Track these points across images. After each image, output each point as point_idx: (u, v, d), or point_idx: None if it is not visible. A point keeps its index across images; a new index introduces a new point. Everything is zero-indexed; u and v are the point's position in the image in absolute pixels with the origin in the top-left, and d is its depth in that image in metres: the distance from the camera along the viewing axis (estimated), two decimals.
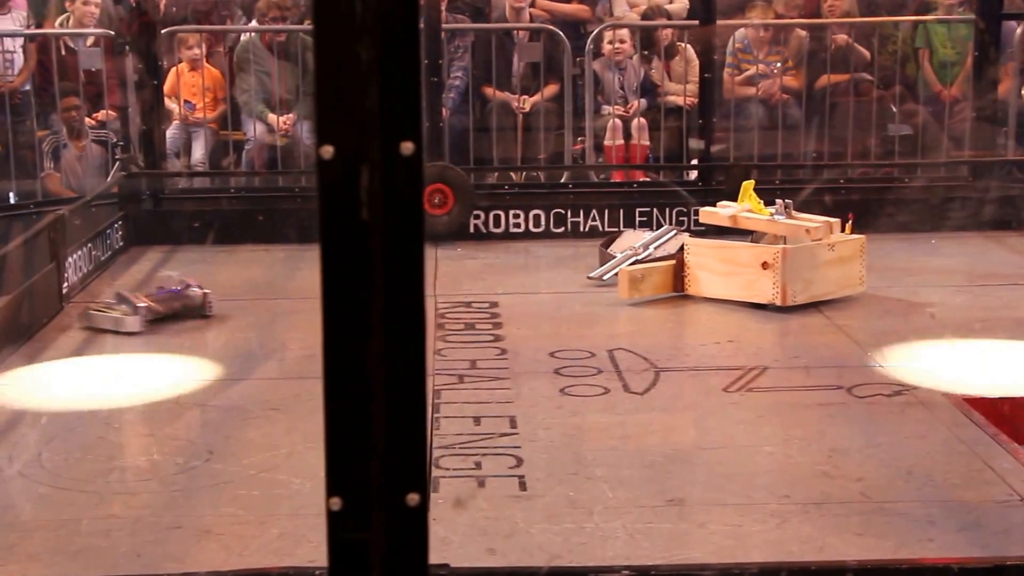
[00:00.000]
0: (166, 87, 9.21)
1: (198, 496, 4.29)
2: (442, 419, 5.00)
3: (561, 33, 9.46)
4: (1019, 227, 8.55)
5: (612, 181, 9.54)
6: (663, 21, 9.94)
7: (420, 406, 1.64)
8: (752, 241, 6.94)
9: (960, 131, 9.40)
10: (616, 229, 8.29)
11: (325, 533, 1.65)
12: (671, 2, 10.24)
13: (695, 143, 8.99)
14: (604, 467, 4.48)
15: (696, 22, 9.27)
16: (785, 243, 6.69)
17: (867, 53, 9.68)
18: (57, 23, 9.67)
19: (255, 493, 4.30)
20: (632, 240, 7.58)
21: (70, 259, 6.98)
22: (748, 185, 7.06)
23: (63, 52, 9.34)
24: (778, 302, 6.53)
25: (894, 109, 9.72)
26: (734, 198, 7.16)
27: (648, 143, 9.60)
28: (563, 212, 8.67)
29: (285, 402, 5.20)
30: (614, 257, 7.34)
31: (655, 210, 8.62)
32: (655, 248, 7.37)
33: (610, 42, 9.51)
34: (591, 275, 7.27)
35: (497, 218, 8.66)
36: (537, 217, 8.67)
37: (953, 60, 9.69)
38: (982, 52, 8.95)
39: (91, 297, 6.93)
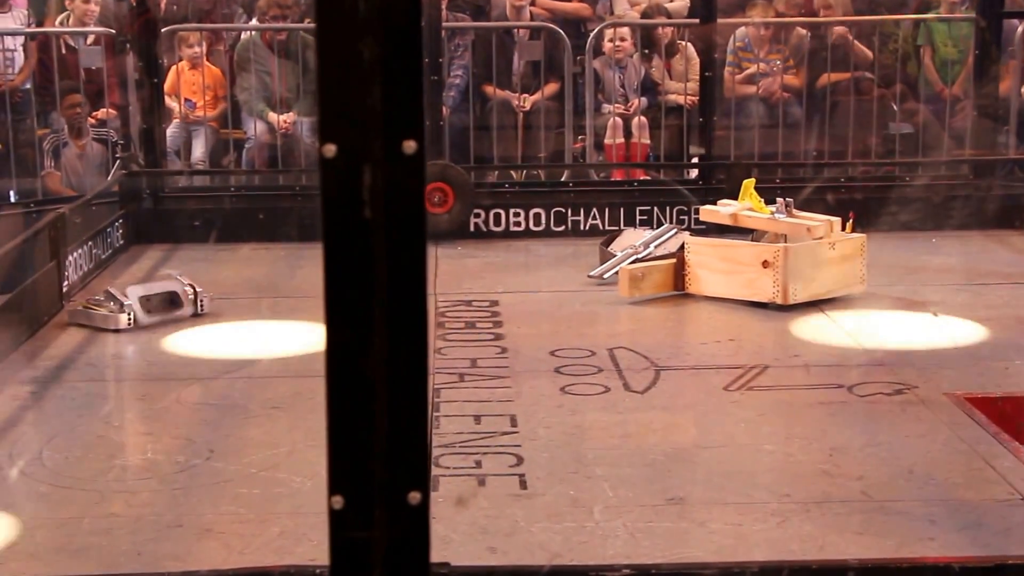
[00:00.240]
0: (167, 85, 9.20)
1: (198, 494, 4.29)
2: (442, 418, 5.00)
3: (561, 31, 9.45)
4: (1020, 226, 8.55)
5: (612, 180, 9.54)
6: (664, 19, 9.94)
7: (422, 404, 1.64)
8: (753, 240, 6.93)
9: (961, 129, 9.39)
10: (616, 228, 8.29)
11: (326, 531, 1.65)
12: (671, 0, 10.24)
13: (695, 149, 8.98)
14: (605, 466, 4.48)
15: (697, 20, 9.26)
16: (786, 242, 6.69)
17: (868, 51, 9.68)
18: (57, 21, 9.67)
19: (256, 491, 4.30)
20: (632, 239, 7.57)
21: (70, 258, 6.97)
22: (749, 183, 7.05)
23: (64, 50, 9.34)
24: (779, 301, 6.52)
25: (895, 107, 9.71)
26: (735, 196, 7.15)
27: (649, 142, 9.60)
28: (563, 211, 8.66)
29: (285, 400, 5.20)
30: (614, 256, 7.33)
31: (655, 208, 8.61)
32: (655, 247, 7.36)
33: (611, 40, 9.51)
34: (591, 274, 7.26)
35: (497, 217, 8.65)
36: (537, 216, 8.66)
37: (954, 58, 9.69)
38: (983, 50, 8.95)
39: (91, 296, 6.92)
